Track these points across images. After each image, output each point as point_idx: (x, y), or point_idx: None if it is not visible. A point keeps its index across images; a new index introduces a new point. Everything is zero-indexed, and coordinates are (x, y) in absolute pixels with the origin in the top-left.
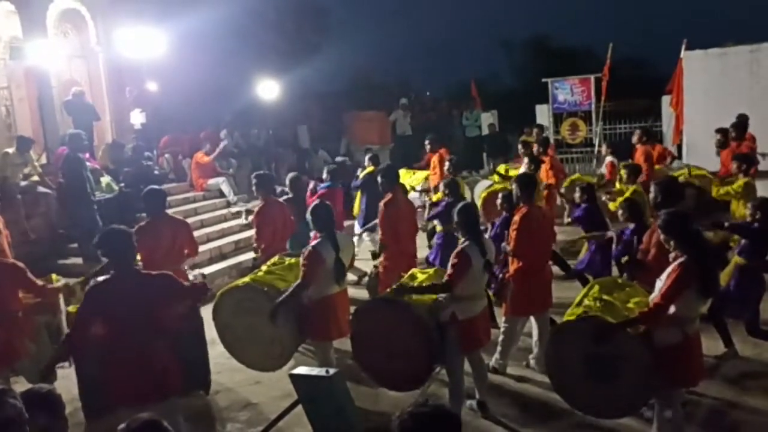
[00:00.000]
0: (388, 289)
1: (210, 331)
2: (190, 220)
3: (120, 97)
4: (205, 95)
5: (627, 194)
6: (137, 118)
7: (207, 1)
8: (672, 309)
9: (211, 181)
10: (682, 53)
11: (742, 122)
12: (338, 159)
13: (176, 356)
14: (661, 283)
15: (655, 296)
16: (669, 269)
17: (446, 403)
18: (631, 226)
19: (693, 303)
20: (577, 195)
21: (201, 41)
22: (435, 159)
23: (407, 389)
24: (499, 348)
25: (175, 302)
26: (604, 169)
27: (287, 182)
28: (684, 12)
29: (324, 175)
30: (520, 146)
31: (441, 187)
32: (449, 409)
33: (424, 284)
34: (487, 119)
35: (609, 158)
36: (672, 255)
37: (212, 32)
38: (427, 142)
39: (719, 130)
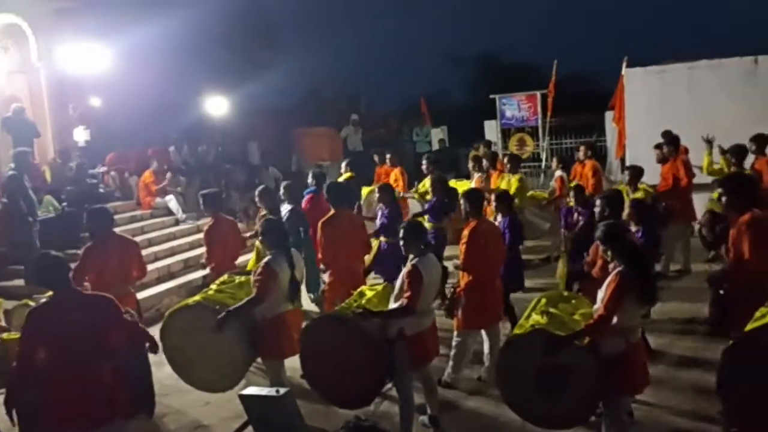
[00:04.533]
0: (337, 306)
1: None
2: (137, 239)
3: (62, 114)
4: (152, 111)
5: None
6: (81, 135)
7: (153, 17)
8: (614, 319)
9: (159, 199)
10: (623, 70)
11: (674, 138)
12: (315, 170)
13: (120, 377)
14: (602, 294)
15: (597, 307)
16: (608, 280)
17: (396, 420)
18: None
19: (633, 311)
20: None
21: (147, 57)
22: (397, 172)
23: (358, 407)
24: (450, 362)
25: (115, 327)
26: (553, 183)
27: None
28: (625, 30)
29: (309, 180)
30: (471, 162)
31: (429, 184)
32: (383, 428)
33: (373, 301)
34: (437, 135)
35: (558, 173)
36: (611, 266)
37: (159, 47)
38: (387, 156)
39: (658, 146)
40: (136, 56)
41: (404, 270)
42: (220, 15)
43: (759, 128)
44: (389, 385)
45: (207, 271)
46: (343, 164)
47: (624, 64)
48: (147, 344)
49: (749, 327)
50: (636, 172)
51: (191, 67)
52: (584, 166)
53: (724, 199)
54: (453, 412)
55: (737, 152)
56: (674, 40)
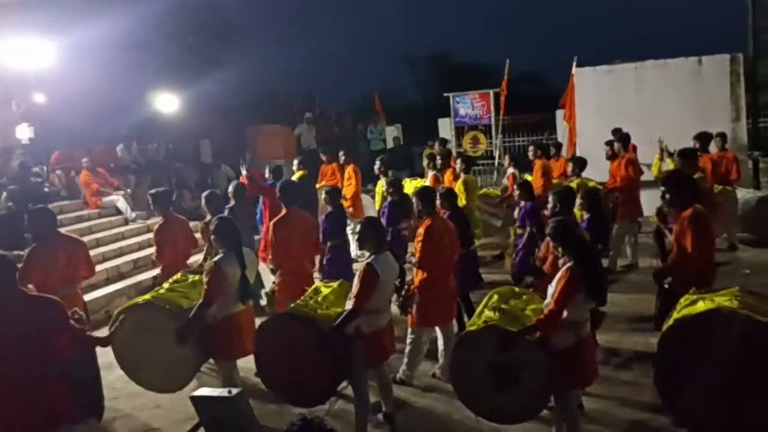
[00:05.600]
0: (291, 305)
1: (107, 355)
2: (84, 239)
3: (5, 111)
4: (100, 108)
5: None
6: (24, 132)
7: (101, 12)
8: (564, 314)
9: (106, 199)
10: (574, 70)
11: (624, 135)
12: (272, 165)
13: (66, 381)
14: (552, 289)
15: (548, 302)
16: (558, 275)
17: (351, 418)
18: (586, 215)
19: (582, 306)
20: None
21: (95, 53)
22: (350, 170)
23: (313, 405)
24: (405, 360)
25: (62, 331)
26: (506, 181)
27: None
28: (574, 31)
29: (266, 174)
30: (425, 160)
31: (384, 186)
32: (331, 426)
33: (330, 298)
34: (392, 133)
35: (510, 170)
36: (561, 261)
37: (107, 44)
38: (341, 154)
39: (608, 143)
40: (83, 52)
41: (360, 268)
42: (170, 12)
43: (703, 126)
44: (344, 384)
45: (158, 271)
46: (295, 162)
47: (574, 64)
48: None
49: (676, 316)
50: (579, 162)
51: (141, 65)
52: (534, 165)
53: (667, 196)
54: (408, 409)
55: (686, 155)
56: (622, 41)
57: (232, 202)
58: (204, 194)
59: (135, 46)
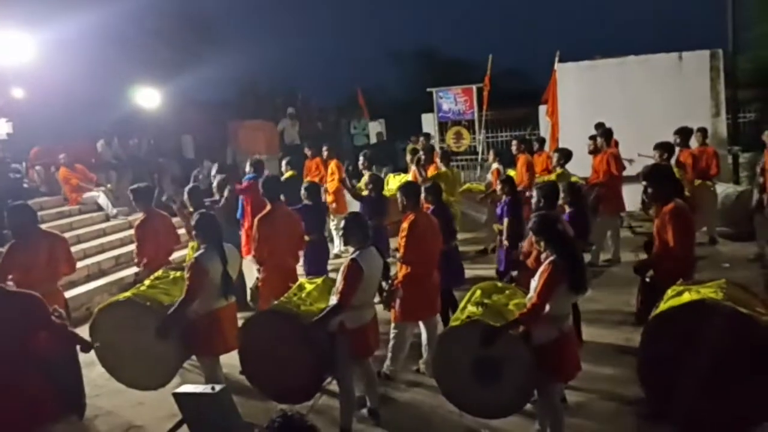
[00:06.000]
0: (275, 302)
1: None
2: (65, 236)
3: None
4: (81, 104)
5: (554, 177)
6: (2, 128)
7: (81, 6)
8: (547, 308)
9: (87, 195)
10: (556, 65)
11: (607, 130)
12: (253, 159)
13: (47, 379)
14: (535, 283)
15: (531, 296)
16: (540, 269)
17: (335, 414)
18: (569, 209)
19: (565, 300)
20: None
21: (75, 48)
22: (333, 165)
23: (298, 401)
24: (389, 354)
25: (42, 327)
26: (489, 176)
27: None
28: (557, 27)
29: (247, 168)
30: (408, 155)
31: (365, 181)
32: (312, 422)
33: (313, 294)
34: (375, 128)
35: (495, 165)
36: (543, 255)
37: (88, 38)
38: (324, 149)
39: (592, 137)
40: (64, 47)
41: (344, 264)
42: (153, 6)
43: (683, 121)
44: (329, 380)
45: (140, 267)
46: (284, 163)
47: (556, 59)
48: (78, 345)
49: (662, 307)
50: (564, 153)
51: (122, 59)
52: (518, 160)
53: (649, 190)
54: (392, 404)
55: (665, 148)
56: (603, 36)
57: (217, 196)
58: (186, 188)
59: (116, 41)
